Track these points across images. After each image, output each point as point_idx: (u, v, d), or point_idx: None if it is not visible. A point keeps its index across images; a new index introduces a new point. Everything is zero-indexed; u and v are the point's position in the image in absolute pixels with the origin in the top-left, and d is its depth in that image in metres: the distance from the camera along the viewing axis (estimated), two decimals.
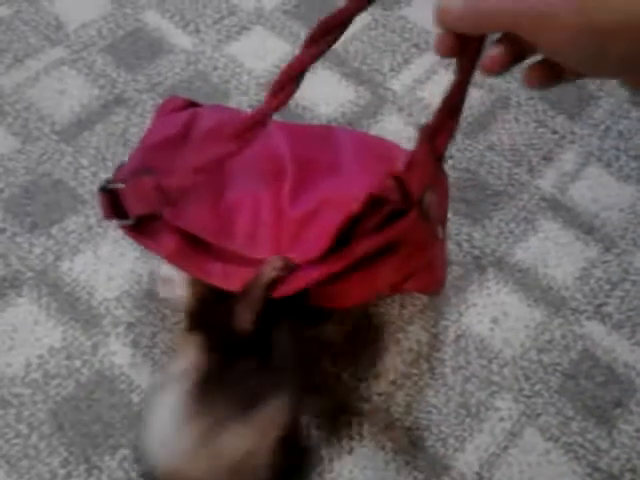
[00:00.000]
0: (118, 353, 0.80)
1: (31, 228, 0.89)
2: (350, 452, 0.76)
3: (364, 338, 0.83)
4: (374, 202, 0.62)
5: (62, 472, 0.72)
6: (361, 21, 1.17)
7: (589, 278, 0.91)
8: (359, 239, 0.63)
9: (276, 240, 0.65)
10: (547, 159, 1.03)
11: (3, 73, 1.05)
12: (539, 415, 0.80)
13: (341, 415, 0.78)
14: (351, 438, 0.77)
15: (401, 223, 0.63)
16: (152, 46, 1.11)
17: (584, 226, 0.95)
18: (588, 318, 0.87)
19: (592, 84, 1.11)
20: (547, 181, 1.00)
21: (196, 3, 1.18)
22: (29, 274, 0.85)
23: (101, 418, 0.75)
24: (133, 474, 0.72)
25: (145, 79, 1.06)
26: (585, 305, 0.88)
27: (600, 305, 0.88)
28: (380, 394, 0.80)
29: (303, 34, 1.15)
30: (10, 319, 0.82)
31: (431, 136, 0.61)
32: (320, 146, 0.75)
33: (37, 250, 0.88)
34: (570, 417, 0.80)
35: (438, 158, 0.63)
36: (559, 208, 0.97)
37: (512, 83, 1.11)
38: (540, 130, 1.06)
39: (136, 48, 1.11)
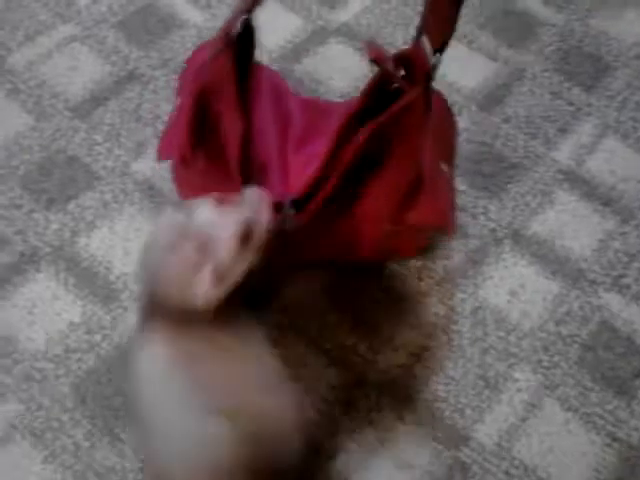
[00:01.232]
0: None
1: (47, 204, 0.89)
2: (370, 423, 0.76)
3: (381, 311, 0.83)
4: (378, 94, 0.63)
5: (86, 444, 0.73)
6: None
7: (607, 250, 0.90)
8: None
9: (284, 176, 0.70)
10: (563, 131, 1.02)
11: (15, 50, 1.05)
12: (558, 386, 0.80)
13: (360, 387, 0.78)
14: (370, 410, 0.77)
15: (406, 96, 0.64)
16: (164, 21, 1.10)
17: (601, 198, 0.95)
18: (606, 290, 0.87)
19: (608, 56, 1.10)
20: (563, 153, 0.99)
21: None
22: (47, 250, 0.86)
23: (122, 391, 0.76)
24: None
25: (157, 55, 1.06)
26: (603, 277, 0.88)
27: (618, 277, 0.88)
28: (399, 366, 0.80)
29: (315, 8, 1.13)
30: (29, 294, 0.82)
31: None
32: (321, 116, 0.83)
33: (54, 226, 0.88)
34: (589, 388, 0.80)
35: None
36: (576, 180, 0.96)
37: (527, 55, 1.10)
38: (556, 102, 1.05)
39: (147, 24, 1.10)
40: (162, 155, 0.81)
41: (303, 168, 0.72)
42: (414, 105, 0.65)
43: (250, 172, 0.72)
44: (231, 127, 0.70)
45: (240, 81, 0.72)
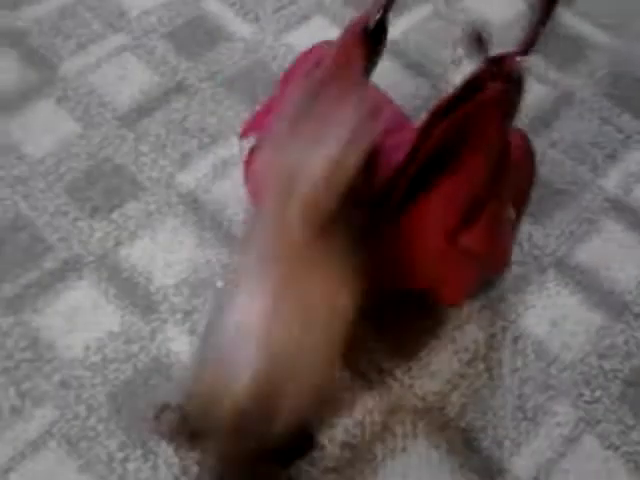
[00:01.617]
0: (175, 340, 0.80)
1: (92, 213, 0.91)
2: (404, 450, 0.75)
3: (420, 335, 0.82)
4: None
5: (120, 455, 0.73)
6: (422, 12, 1.15)
7: None
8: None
9: None
10: (611, 158, 1.00)
11: (66, 59, 1.07)
12: (598, 422, 0.78)
13: (395, 413, 0.77)
14: (405, 436, 0.76)
15: (487, 91, 0.63)
16: (212, 34, 1.11)
17: None
18: None
19: None
20: (611, 181, 0.97)
21: None
22: (90, 258, 0.87)
23: (157, 404, 0.76)
24: (188, 461, 0.73)
25: (205, 67, 1.07)
26: None
27: None
28: (435, 393, 0.79)
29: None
30: (71, 302, 0.83)
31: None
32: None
33: (97, 234, 0.89)
34: (631, 426, 0.77)
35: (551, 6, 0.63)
36: (623, 209, 0.94)
37: (577, 79, 1.08)
38: (605, 128, 1.03)
39: (196, 35, 1.11)
40: (246, 133, 0.82)
41: (392, 153, 0.71)
42: (490, 103, 0.64)
43: None
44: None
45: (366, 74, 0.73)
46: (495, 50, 0.67)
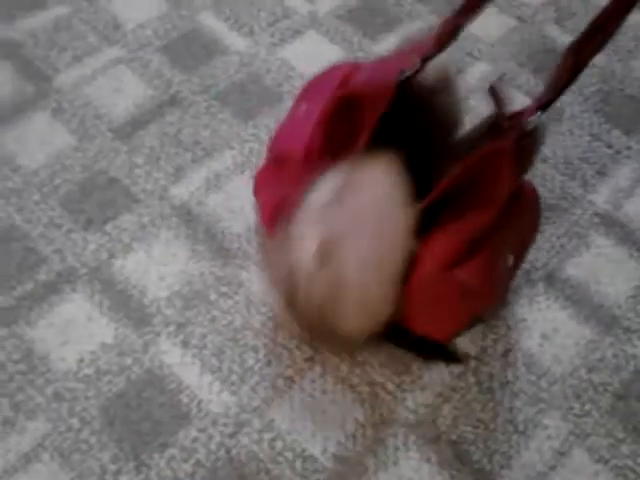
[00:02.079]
0: (168, 352, 0.81)
1: (86, 225, 0.91)
2: (395, 463, 0.75)
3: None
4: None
5: (112, 468, 0.73)
6: (414, 28, 1.16)
7: None
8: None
9: None
10: (601, 174, 1.01)
11: (62, 71, 1.07)
12: (588, 435, 0.78)
13: (387, 426, 0.78)
14: (397, 449, 0.76)
15: (506, 139, 0.65)
16: (207, 47, 1.12)
17: (638, 244, 0.94)
18: None
19: None
20: (601, 196, 0.98)
21: (251, 5, 1.18)
22: (83, 270, 0.87)
23: (150, 416, 0.76)
24: (181, 473, 0.73)
25: (199, 80, 1.08)
26: (638, 325, 0.87)
27: None
28: (427, 406, 0.79)
29: (356, 39, 1.15)
30: (64, 314, 0.83)
31: (576, 48, 0.65)
32: None
33: (91, 247, 0.89)
34: (620, 439, 0.78)
35: (578, 70, 0.66)
36: (613, 224, 0.96)
37: (567, 95, 1.09)
38: (595, 144, 1.04)
39: (191, 49, 1.12)
40: (281, 150, 0.83)
41: None
42: (501, 152, 0.65)
43: None
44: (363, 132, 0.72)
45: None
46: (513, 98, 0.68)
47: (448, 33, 0.72)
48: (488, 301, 0.79)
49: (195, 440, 0.75)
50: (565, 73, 0.66)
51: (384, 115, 0.72)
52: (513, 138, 0.65)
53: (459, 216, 0.69)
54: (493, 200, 0.68)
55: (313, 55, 1.12)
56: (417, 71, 0.72)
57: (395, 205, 0.68)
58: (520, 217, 0.73)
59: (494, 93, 0.66)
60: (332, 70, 0.86)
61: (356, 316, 0.71)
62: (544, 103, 0.67)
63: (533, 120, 0.65)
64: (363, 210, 0.67)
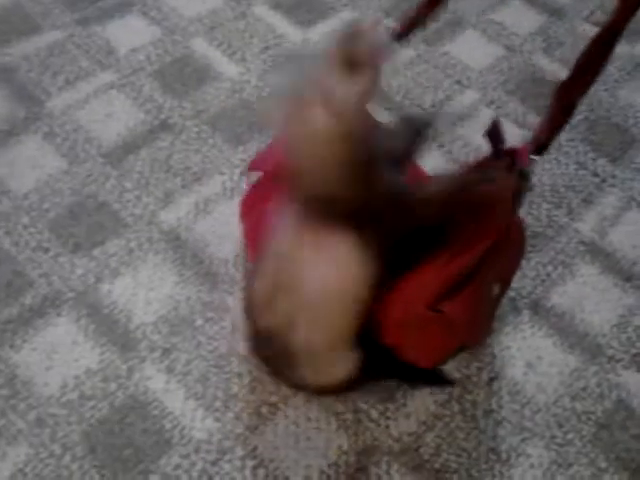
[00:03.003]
0: (153, 378, 0.81)
1: (74, 249, 0.91)
2: None
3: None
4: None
5: None
6: (405, 56, 1.18)
7: (627, 326, 0.90)
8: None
9: None
10: (587, 202, 1.02)
11: (54, 95, 1.08)
12: (571, 465, 0.78)
13: (371, 453, 0.78)
14: (379, 477, 0.76)
15: (506, 183, 0.66)
16: (199, 73, 1.13)
17: (623, 272, 0.94)
18: (624, 367, 0.86)
19: (635, 128, 1.11)
20: (586, 224, 0.99)
21: (243, 32, 1.20)
22: (70, 294, 0.87)
23: (133, 443, 0.76)
24: None
25: (191, 106, 1.09)
26: (622, 354, 0.87)
27: (637, 354, 0.87)
28: (410, 434, 0.79)
29: None
30: (50, 339, 0.83)
31: (565, 89, 0.66)
32: None
33: (79, 271, 0.89)
34: (603, 469, 0.78)
35: (569, 111, 0.66)
36: (598, 253, 0.96)
37: None
38: (581, 172, 1.05)
39: (183, 74, 1.13)
40: (252, 168, 0.86)
41: None
42: (502, 196, 0.66)
43: None
44: None
45: None
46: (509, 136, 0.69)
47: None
48: (474, 332, 0.79)
49: (177, 467, 0.75)
50: (557, 115, 0.67)
51: None
52: (513, 184, 0.66)
53: (451, 250, 0.70)
54: (486, 238, 0.68)
55: None
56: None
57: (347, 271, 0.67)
58: (507, 247, 0.74)
59: (492, 135, 0.66)
60: None
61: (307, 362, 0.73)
62: (540, 145, 0.68)
63: (531, 164, 0.66)
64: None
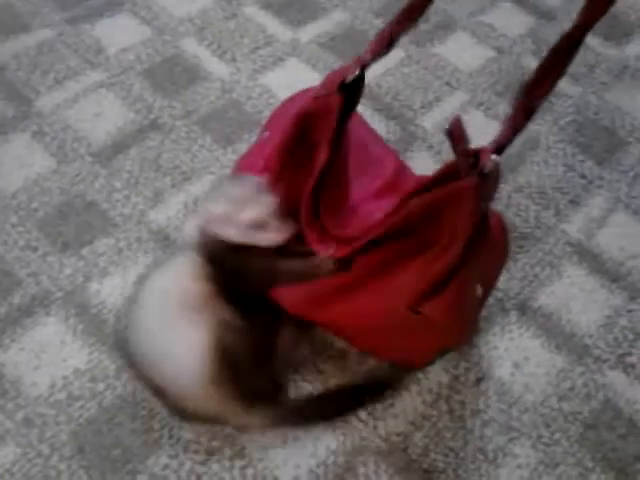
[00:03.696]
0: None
1: (63, 248, 0.91)
2: None
3: (384, 377, 0.84)
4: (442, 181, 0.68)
5: None
6: (395, 57, 1.18)
7: (613, 326, 0.90)
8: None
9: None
10: (575, 203, 1.03)
11: (44, 94, 1.08)
12: (558, 465, 0.79)
13: (359, 454, 0.78)
14: (368, 477, 0.77)
15: (459, 183, 0.67)
16: (189, 73, 1.13)
17: (610, 273, 0.95)
18: (611, 367, 0.87)
19: (622, 130, 1.11)
20: (574, 226, 1.00)
21: (233, 32, 1.20)
22: (58, 294, 0.87)
23: (121, 443, 0.76)
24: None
25: (180, 105, 1.09)
26: (608, 354, 0.88)
27: (623, 355, 0.88)
28: (398, 434, 0.80)
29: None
30: (38, 338, 0.83)
31: (527, 92, 0.67)
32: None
33: (67, 270, 0.89)
34: (589, 469, 0.79)
35: (530, 113, 0.67)
36: (585, 254, 0.97)
37: (542, 125, 1.11)
38: (569, 174, 1.06)
39: (173, 74, 1.13)
40: (240, 170, 0.86)
41: (367, 217, 0.76)
42: (462, 193, 0.67)
43: (320, 204, 0.76)
44: (317, 158, 0.75)
45: (340, 123, 0.77)
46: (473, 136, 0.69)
47: (384, 42, 0.77)
48: (456, 333, 0.79)
49: (166, 467, 0.75)
50: (518, 116, 0.68)
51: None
52: (473, 182, 0.66)
53: (424, 252, 0.70)
54: (456, 238, 0.69)
55: (294, 82, 1.13)
56: (358, 77, 0.76)
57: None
58: (488, 248, 0.74)
59: (452, 134, 0.67)
60: (294, 98, 0.88)
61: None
62: (500, 146, 0.68)
63: (491, 163, 0.66)
64: None
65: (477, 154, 0.67)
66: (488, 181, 0.67)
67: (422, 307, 0.71)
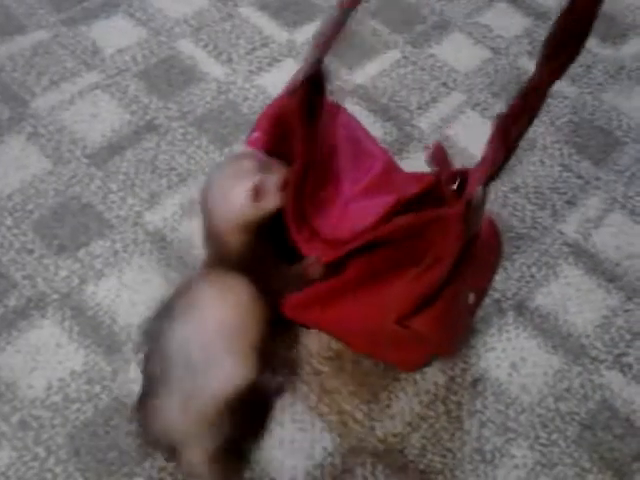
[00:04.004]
0: (138, 381, 0.80)
1: (58, 250, 0.91)
2: None
3: (382, 377, 0.83)
4: (425, 197, 0.67)
5: None
6: (391, 58, 1.18)
7: (610, 327, 0.90)
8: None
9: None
10: (571, 204, 1.03)
11: (39, 95, 1.08)
12: (555, 465, 0.79)
13: (355, 454, 0.78)
14: (365, 478, 0.76)
15: (443, 210, 0.66)
16: (185, 74, 1.13)
17: (606, 273, 0.95)
18: (608, 368, 0.87)
19: (619, 131, 1.12)
20: (570, 226, 1.00)
21: (230, 33, 1.20)
22: (54, 296, 0.87)
23: (117, 445, 0.76)
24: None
25: (176, 107, 1.08)
26: (605, 354, 0.88)
27: (620, 355, 0.88)
28: (395, 435, 0.80)
29: (333, 69, 1.16)
30: (34, 340, 0.83)
31: (504, 126, 0.64)
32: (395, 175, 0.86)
33: (63, 273, 0.89)
34: (587, 469, 0.79)
35: (510, 149, 0.65)
36: (581, 254, 0.97)
37: (539, 126, 1.11)
38: (565, 174, 1.06)
39: (169, 75, 1.13)
40: None
41: (356, 217, 0.75)
42: (448, 220, 0.66)
43: (307, 200, 0.76)
44: (296, 158, 0.76)
45: (310, 118, 0.78)
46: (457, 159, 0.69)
47: (331, 35, 0.79)
48: (447, 342, 0.79)
49: (162, 470, 0.75)
50: (499, 154, 0.65)
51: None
52: (460, 208, 0.65)
53: (410, 267, 0.69)
54: (442, 259, 0.68)
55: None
56: (316, 69, 0.78)
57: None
58: (479, 257, 0.74)
59: (434, 159, 0.66)
60: (277, 98, 0.88)
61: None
62: (486, 180, 0.67)
63: (477, 194, 0.66)
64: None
65: (464, 175, 0.66)
66: (475, 208, 0.67)
67: (410, 322, 0.71)
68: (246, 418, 0.70)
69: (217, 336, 0.68)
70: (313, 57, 0.78)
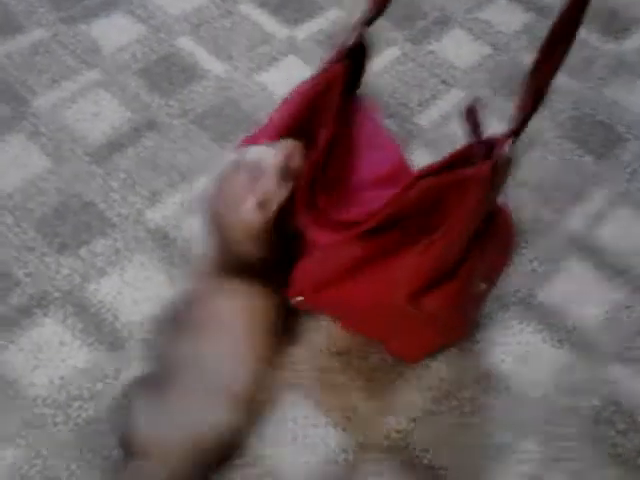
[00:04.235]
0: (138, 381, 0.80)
1: (60, 249, 0.90)
2: None
3: (387, 373, 0.83)
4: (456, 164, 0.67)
5: None
6: (391, 55, 1.18)
7: (615, 321, 0.90)
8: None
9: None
10: (574, 199, 1.02)
11: (40, 94, 1.07)
12: (561, 459, 0.79)
13: (361, 450, 0.77)
14: (371, 474, 0.76)
15: (471, 169, 0.66)
16: (185, 71, 1.13)
17: (610, 268, 0.95)
18: (613, 362, 0.86)
19: (620, 125, 1.11)
20: (574, 221, 1.00)
21: (230, 30, 1.20)
22: (56, 294, 0.86)
23: (120, 443, 0.75)
24: None
25: (177, 104, 1.08)
26: (610, 348, 0.87)
27: (625, 349, 0.87)
28: (400, 431, 0.79)
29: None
30: (36, 338, 0.83)
31: (535, 73, 0.66)
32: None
33: (65, 271, 0.88)
34: (592, 463, 0.78)
35: (541, 93, 0.66)
36: (586, 249, 0.97)
37: (541, 121, 1.11)
38: (567, 169, 1.06)
39: (169, 73, 1.12)
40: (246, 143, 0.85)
41: (366, 204, 0.74)
42: (472, 180, 0.66)
43: (318, 184, 0.76)
44: (323, 131, 0.76)
45: (347, 93, 0.78)
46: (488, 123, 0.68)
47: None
48: (457, 328, 0.79)
49: None
50: (530, 98, 0.67)
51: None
52: (489, 167, 0.65)
53: (423, 238, 0.69)
54: (463, 225, 0.68)
55: (291, 80, 1.12)
56: (360, 35, 0.78)
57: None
58: (492, 243, 0.74)
59: (469, 117, 0.66)
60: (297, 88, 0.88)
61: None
62: (515, 131, 0.68)
63: (507, 149, 0.66)
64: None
65: (492, 142, 0.66)
66: (500, 171, 0.66)
67: (422, 301, 0.70)
68: (220, 459, 0.73)
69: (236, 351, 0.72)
70: (357, 26, 0.77)
